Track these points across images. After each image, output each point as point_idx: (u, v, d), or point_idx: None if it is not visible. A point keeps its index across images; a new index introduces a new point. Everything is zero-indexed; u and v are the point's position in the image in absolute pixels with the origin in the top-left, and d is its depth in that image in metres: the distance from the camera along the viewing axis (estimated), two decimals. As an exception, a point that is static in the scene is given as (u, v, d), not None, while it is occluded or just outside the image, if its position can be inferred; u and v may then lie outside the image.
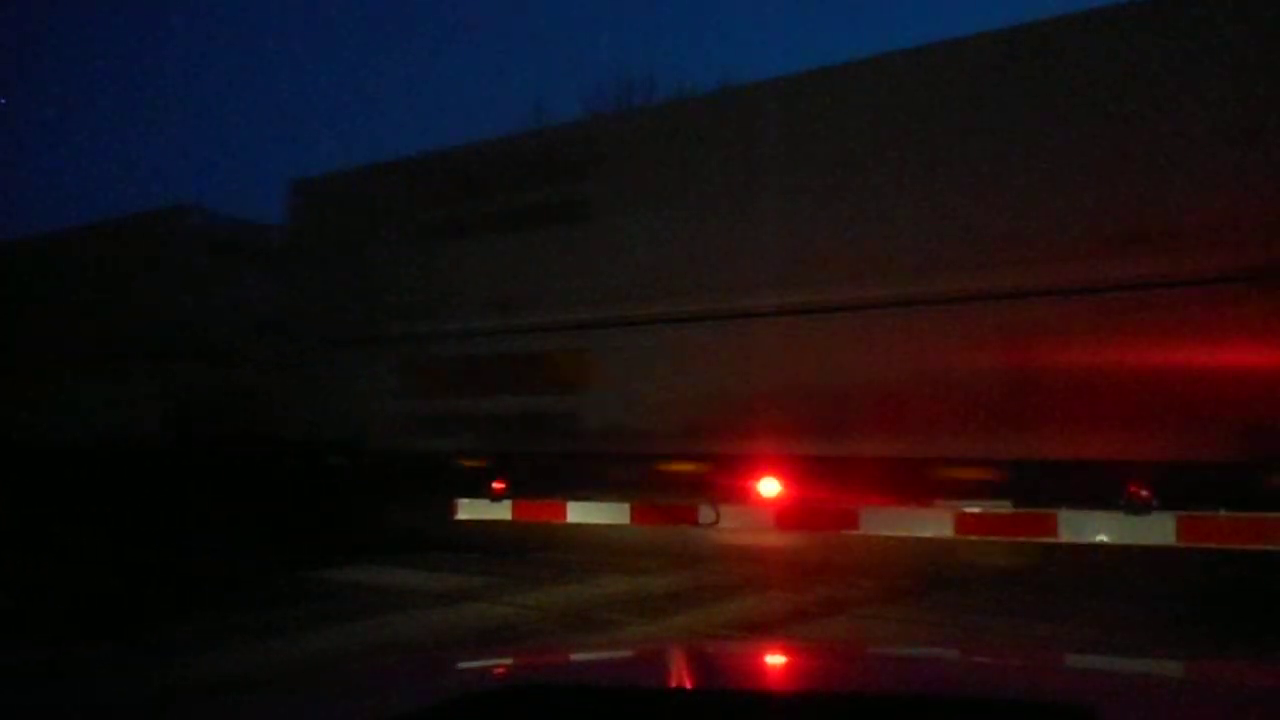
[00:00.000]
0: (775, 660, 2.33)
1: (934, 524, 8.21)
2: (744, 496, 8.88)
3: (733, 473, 8.81)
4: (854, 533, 8.53)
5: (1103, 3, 7.37)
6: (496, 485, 9.98)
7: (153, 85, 68.77)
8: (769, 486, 8.65)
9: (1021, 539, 8.11)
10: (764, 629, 7.05)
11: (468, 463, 10.12)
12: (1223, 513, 7.12)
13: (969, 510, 8.07)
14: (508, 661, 2.40)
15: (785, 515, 8.80)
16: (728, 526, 9.14)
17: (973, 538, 8.23)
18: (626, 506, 9.57)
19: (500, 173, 10.14)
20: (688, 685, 1.78)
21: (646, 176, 9.19)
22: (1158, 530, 7.25)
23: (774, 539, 9.34)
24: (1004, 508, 7.97)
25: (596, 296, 9.18)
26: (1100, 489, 7.44)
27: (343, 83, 70.61)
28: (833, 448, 8.24)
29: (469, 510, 10.26)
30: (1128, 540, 7.40)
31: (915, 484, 7.99)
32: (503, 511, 10.03)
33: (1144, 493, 7.20)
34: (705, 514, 9.17)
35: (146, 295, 12.77)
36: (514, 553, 10.16)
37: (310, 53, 68.62)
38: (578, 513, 9.79)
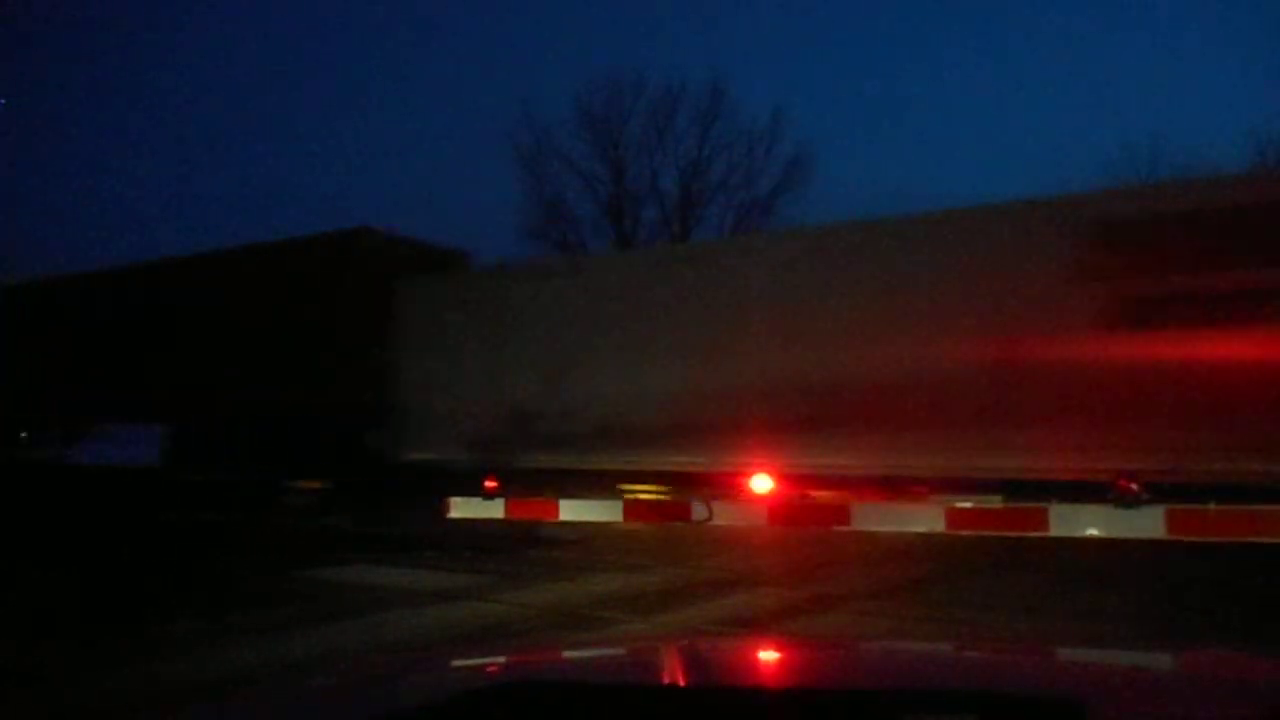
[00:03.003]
0: (768, 656, 2.34)
1: (925, 519, 8.23)
2: (736, 493, 8.89)
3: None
4: (845, 528, 8.55)
5: None
6: (489, 484, 9.97)
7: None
8: (761, 483, 8.65)
9: (1013, 534, 8.14)
10: (757, 625, 7.07)
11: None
12: (1212, 506, 7.16)
13: (960, 505, 8.09)
14: (502, 660, 2.41)
15: (777, 511, 8.81)
16: (720, 523, 9.15)
17: (964, 532, 8.27)
18: (619, 504, 9.57)
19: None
20: (681, 682, 1.80)
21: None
22: (1147, 524, 7.28)
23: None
24: (995, 502, 8.00)
25: None
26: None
27: (330, 79, 70.28)
28: None
29: (462, 509, 10.25)
30: (1118, 534, 7.43)
31: None
32: (495, 510, 10.02)
33: (1133, 486, 7.23)
34: (698, 510, 9.18)
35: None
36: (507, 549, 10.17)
37: (297, 51, 68.25)
38: (570, 511, 9.79)
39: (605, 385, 9.15)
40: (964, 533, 8.27)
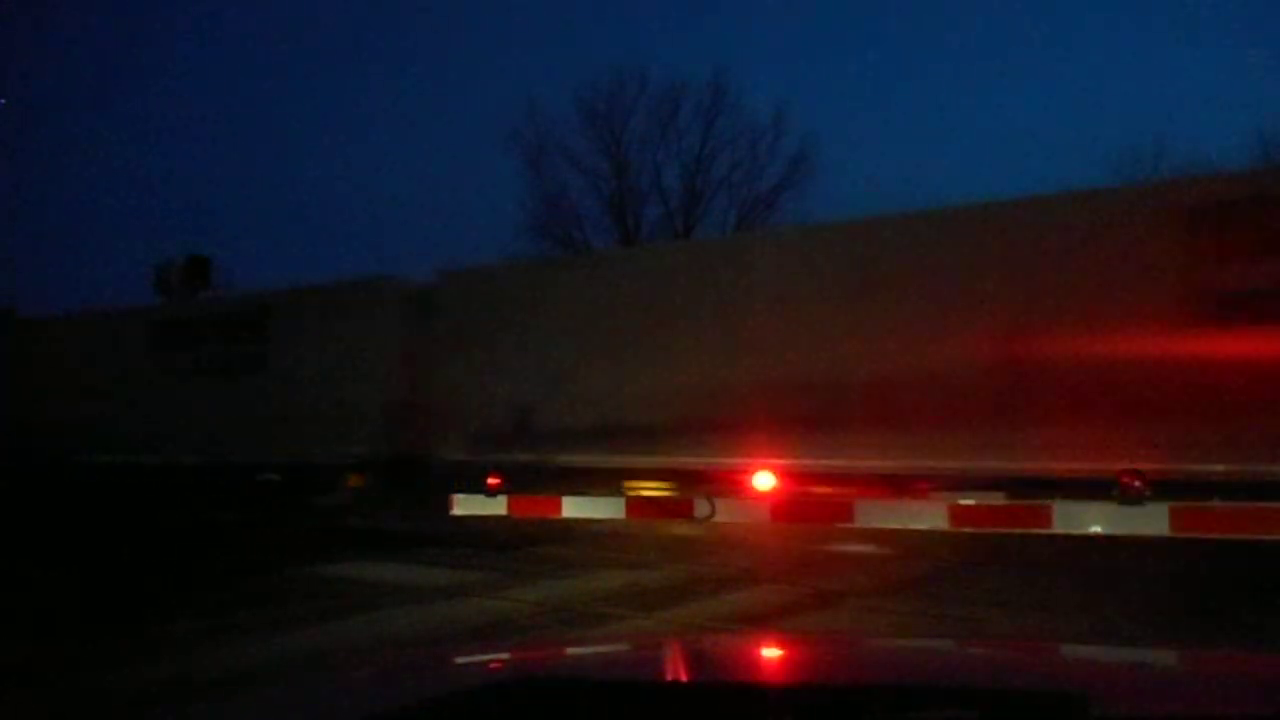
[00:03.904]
0: (771, 653, 2.34)
1: (929, 516, 8.20)
2: (739, 490, 8.87)
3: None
4: (849, 525, 8.53)
5: None
6: (491, 481, 9.96)
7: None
8: (764, 480, 8.63)
9: (1016, 531, 8.12)
10: (760, 622, 7.06)
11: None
12: (1216, 503, 7.13)
13: (963, 502, 8.07)
14: (505, 656, 2.40)
15: (780, 508, 8.80)
16: (724, 520, 9.14)
17: (967, 530, 8.25)
18: (622, 501, 9.56)
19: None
20: (684, 679, 1.79)
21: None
22: (1152, 521, 7.26)
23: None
24: (998, 499, 7.97)
25: None
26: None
27: (330, 76, 70.26)
28: None
29: (465, 506, 10.25)
30: (1122, 531, 7.41)
31: None
32: (498, 507, 10.02)
33: (1137, 483, 7.20)
34: (701, 508, 9.16)
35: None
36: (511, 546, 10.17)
37: (295, 56, 68.10)
38: (572, 508, 9.79)
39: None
40: (967, 530, 8.26)
